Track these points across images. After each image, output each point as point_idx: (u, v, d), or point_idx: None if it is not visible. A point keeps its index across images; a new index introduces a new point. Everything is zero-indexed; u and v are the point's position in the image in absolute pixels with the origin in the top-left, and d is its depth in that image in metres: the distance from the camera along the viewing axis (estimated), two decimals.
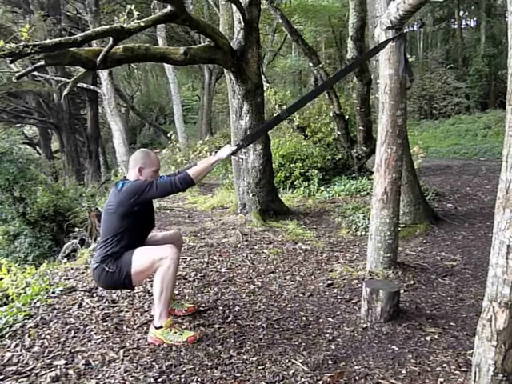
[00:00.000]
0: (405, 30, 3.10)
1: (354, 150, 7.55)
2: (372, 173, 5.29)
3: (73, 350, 2.34)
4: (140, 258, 2.38)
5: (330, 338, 2.54)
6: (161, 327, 2.41)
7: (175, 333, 2.42)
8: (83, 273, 3.56)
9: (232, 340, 2.49)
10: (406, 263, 3.73)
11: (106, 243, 2.43)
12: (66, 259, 5.11)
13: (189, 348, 2.37)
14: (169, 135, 10.51)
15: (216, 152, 2.63)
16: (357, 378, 2.14)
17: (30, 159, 7.75)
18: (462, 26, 21.51)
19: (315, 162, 7.45)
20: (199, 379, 2.11)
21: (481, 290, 3.06)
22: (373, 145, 6.68)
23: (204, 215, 5.94)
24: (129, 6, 3.47)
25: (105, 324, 2.64)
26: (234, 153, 2.62)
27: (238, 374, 2.16)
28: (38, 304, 2.88)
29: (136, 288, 3.18)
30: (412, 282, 3.38)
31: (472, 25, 22.31)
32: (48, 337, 2.48)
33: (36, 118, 15.22)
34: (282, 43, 19.09)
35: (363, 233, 4.64)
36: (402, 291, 3.05)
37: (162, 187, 2.38)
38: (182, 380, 2.10)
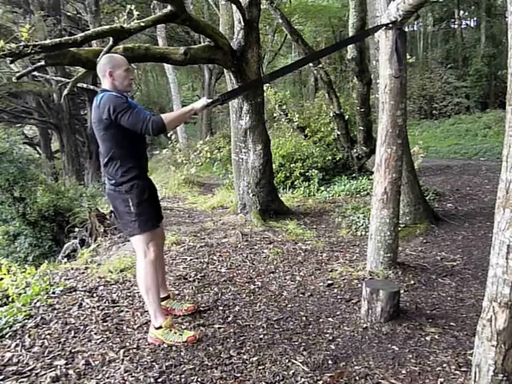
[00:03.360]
0: (405, 29, 3.10)
1: (354, 150, 7.55)
2: (372, 173, 5.30)
3: (73, 350, 2.35)
4: (147, 238, 2.44)
5: (330, 338, 2.54)
6: (160, 327, 2.42)
7: (175, 333, 2.42)
8: (83, 273, 3.56)
9: (232, 340, 2.49)
10: (406, 263, 3.72)
11: (109, 166, 2.41)
12: (66, 259, 5.11)
13: (189, 348, 2.38)
14: (169, 135, 10.50)
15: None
16: (357, 377, 2.14)
17: (30, 159, 7.73)
18: (462, 26, 21.48)
19: (315, 162, 7.45)
20: (199, 379, 2.11)
21: (481, 290, 3.06)
22: (373, 145, 6.68)
23: (204, 215, 5.94)
24: (129, 6, 3.48)
25: (105, 324, 2.64)
26: (208, 106, 2.48)
27: (238, 374, 2.16)
28: (38, 304, 2.88)
29: (136, 288, 3.18)
30: (412, 281, 3.38)
31: (472, 25, 22.29)
32: (48, 337, 2.48)
33: (36, 118, 15.22)
34: (282, 43, 19.07)
35: (363, 233, 4.64)
36: (402, 291, 3.05)
37: (135, 119, 2.26)
38: (182, 380, 2.10)
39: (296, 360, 2.28)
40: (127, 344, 2.42)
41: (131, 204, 2.40)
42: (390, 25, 3.03)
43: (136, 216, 2.41)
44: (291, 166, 7.41)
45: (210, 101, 2.49)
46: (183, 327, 2.61)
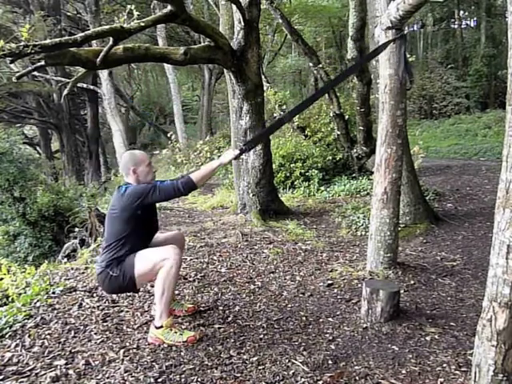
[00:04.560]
0: (405, 31, 3.11)
1: (354, 150, 7.55)
2: (372, 173, 5.29)
3: (73, 350, 2.34)
4: (142, 260, 2.39)
5: (330, 338, 2.54)
6: (161, 327, 2.42)
7: (175, 333, 2.42)
8: (83, 273, 3.56)
9: (232, 340, 2.49)
10: (406, 263, 3.72)
11: (110, 248, 2.43)
12: (66, 259, 5.11)
13: (189, 348, 2.37)
14: (169, 135, 10.51)
15: (219, 156, 2.65)
16: (357, 377, 2.14)
17: (30, 159, 7.75)
18: (462, 26, 21.49)
19: (315, 162, 7.45)
20: (199, 379, 2.11)
21: (481, 290, 3.06)
22: (373, 145, 6.68)
23: (204, 215, 5.94)
24: (129, 6, 3.47)
25: (105, 324, 2.64)
26: (236, 157, 2.63)
27: (238, 374, 2.16)
28: (38, 304, 2.88)
29: None
30: (412, 281, 3.38)
31: (472, 25, 22.29)
32: (48, 337, 2.48)
33: (36, 118, 15.23)
34: (282, 43, 19.06)
35: (363, 233, 4.64)
36: (402, 291, 3.05)
37: (165, 191, 2.38)
38: (182, 380, 2.10)
39: (296, 360, 2.28)
40: (127, 344, 2.42)
41: (112, 272, 2.39)
42: (398, 36, 3.04)
43: (121, 273, 2.38)
44: (291, 165, 7.41)
45: (238, 153, 2.61)
46: (183, 327, 2.61)
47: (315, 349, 2.41)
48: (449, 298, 3.11)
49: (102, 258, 2.47)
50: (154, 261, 2.38)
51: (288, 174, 7.36)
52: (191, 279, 3.42)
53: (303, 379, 2.12)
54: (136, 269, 2.38)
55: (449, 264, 3.80)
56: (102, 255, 2.51)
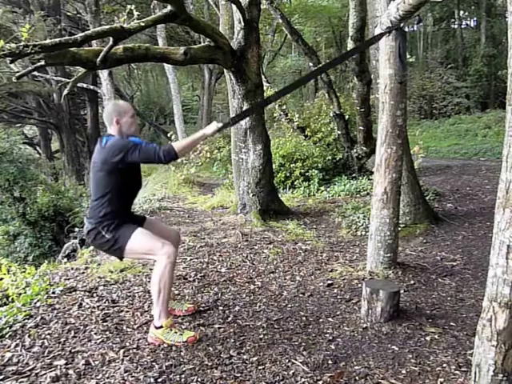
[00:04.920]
0: (405, 29, 3.11)
1: (354, 150, 7.55)
2: (372, 173, 5.29)
3: (73, 350, 2.34)
4: (139, 240, 2.38)
5: (330, 337, 2.54)
6: (161, 327, 2.42)
7: (175, 333, 2.42)
8: (83, 273, 3.56)
9: (232, 340, 2.49)
10: (406, 263, 3.73)
11: (96, 204, 2.42)
12: (66, 259, 5.11)
13: (189, 348, 2.37)
14: (169, 135, 10.50)
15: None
16: (357, 377, 2.14)
17: (30, 159, 7.77)
18: (462, 26, 21.50)
19: (315, 162, 7.45)
20: (199, 379, 2.11)
21: (481, 289, 3.05)
22: (373, 145, 6.67)
23: (204, 215, 5.94)
24: (129, 6, 3.48)
25: (105, 324, 2.64)
26: (219, 130, 2.55)
27: (238, 374, 2.16)
28: (38, 304, 2.88)
29: (136, 288, 3.18)
30: (412, 281, 3.38)
31: (472, 25, 22.29)
32: (48, 337, 2.48)
33: (36, 118, 15.22)
34: (282, 43, 19.09)
35: (363, 233, 4.64)
36: (402, 291, 3.05)
37: (145, 153, 2.30)
38: (182, 380, 2.10)
39: (296, 360, 2.28)
40: (127, 344, 2.42)
41: (104, 232, 2.39)
42: (394, 31, 3.04)
43: (113, 239, 2.39)
44: (291, 165, 7.41)
45: (221, 125, 2.54)
46: (183, 327, 2.61)
47: (315, 349, 2.41)
48: (449, 298, 3.11)
49: (91, 215, 2.45)
50: (148, 248, 2.39)
51: (288, 174, 7.36)
52: (191, 279, 3.42)
53: (303, 379, 2.12)
54: (129, 243, 2.38)
55: (449, 264, 3.80)
56: (89, 211, 2.49)
